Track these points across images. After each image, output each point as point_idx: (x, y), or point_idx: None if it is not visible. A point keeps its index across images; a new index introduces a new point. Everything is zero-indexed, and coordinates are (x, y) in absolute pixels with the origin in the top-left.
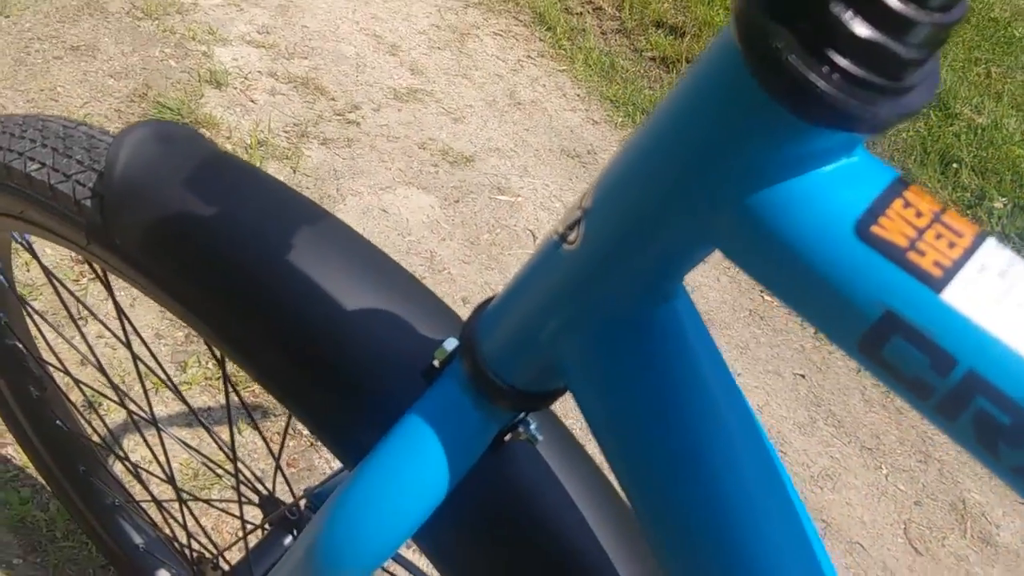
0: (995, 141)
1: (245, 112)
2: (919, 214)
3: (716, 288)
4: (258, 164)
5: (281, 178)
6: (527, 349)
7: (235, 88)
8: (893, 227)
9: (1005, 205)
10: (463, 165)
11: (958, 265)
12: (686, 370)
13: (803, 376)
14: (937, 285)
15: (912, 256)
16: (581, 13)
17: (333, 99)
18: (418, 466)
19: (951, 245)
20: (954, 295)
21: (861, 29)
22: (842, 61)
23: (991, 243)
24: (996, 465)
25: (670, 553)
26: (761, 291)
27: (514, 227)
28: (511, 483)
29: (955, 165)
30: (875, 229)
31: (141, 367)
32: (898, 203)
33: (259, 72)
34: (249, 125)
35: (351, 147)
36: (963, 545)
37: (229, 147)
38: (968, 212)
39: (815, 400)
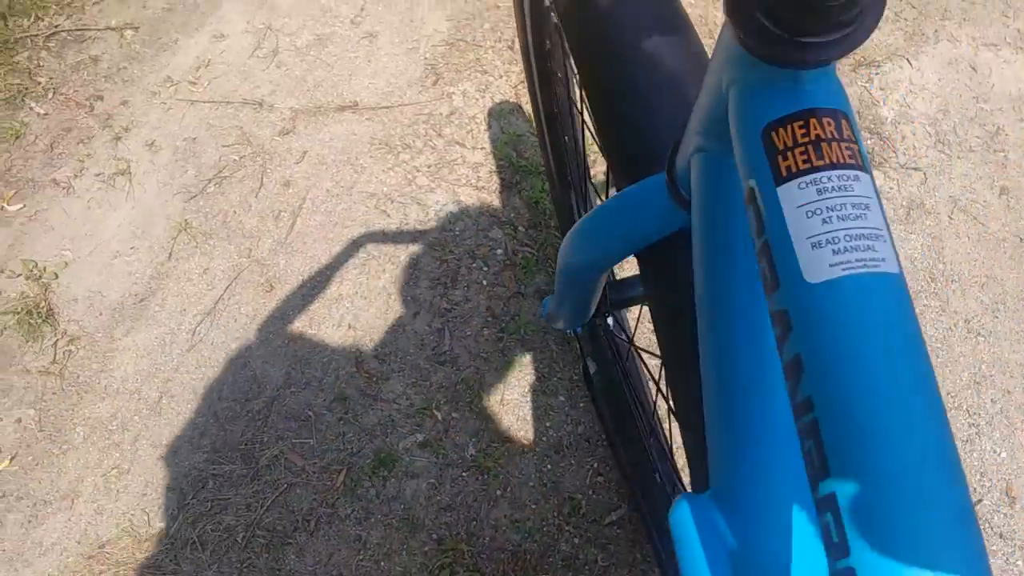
0: None
1: None
2: (805, 135)
3: None
4: None
5: None
6: (683, 168)
7: None
8: (783, 136)
9: None
10: None
11: (796, 175)
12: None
13: None
14: (778, 180)
15: (779, 158)
16: None
17: None
18: (628, 218)
19: (805, 162)
20: (783, 190)
21: None
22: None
23: (833, 173)
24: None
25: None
26: None
27: None
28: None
29: None
30: (772, 134)
31: None
32: (798, 123)
33: None
34: None
35: None
36: None
37: None
38: None
39: None
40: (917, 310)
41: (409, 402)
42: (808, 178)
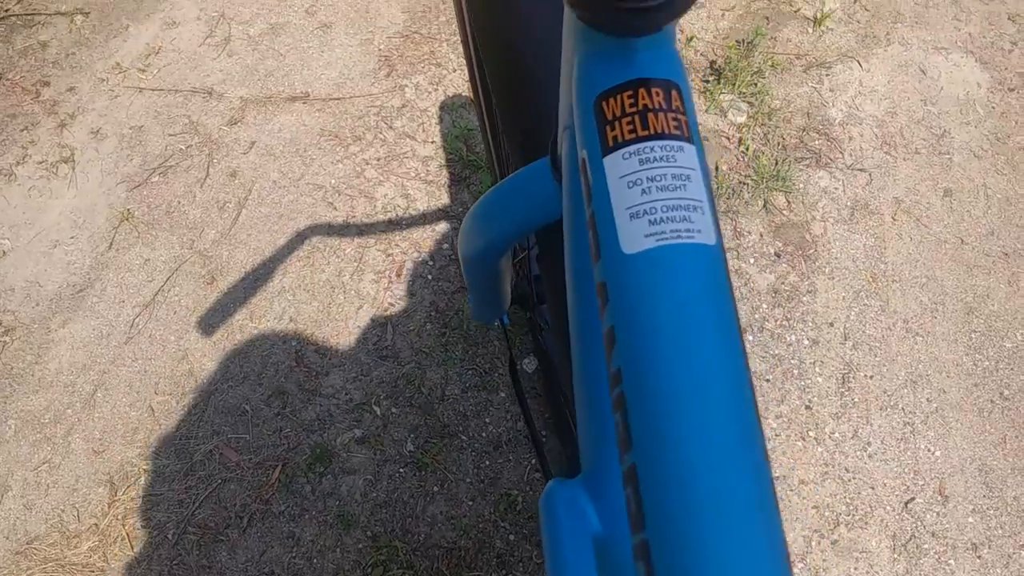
0: None
1: None
2: (633, 105)
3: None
4: None
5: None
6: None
7: None
8: (612, 106)
9: None
10: None
11: (621, 145)
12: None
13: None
14: (605, 151)
15: (607, 128)
16: None
17: None
18: (517, 202)
19: (631, 132)
20: (609, 160)
21: None
22: None
23: (657, 144)
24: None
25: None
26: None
27: None
28: None
29: None
30: (603, 103)
31: None
32: (627, 93)
33: None
34: None
35: None
36: None
37: None
38: None
39: None
40: (857, 310)
41: (348, 397)
42: (632, 148)
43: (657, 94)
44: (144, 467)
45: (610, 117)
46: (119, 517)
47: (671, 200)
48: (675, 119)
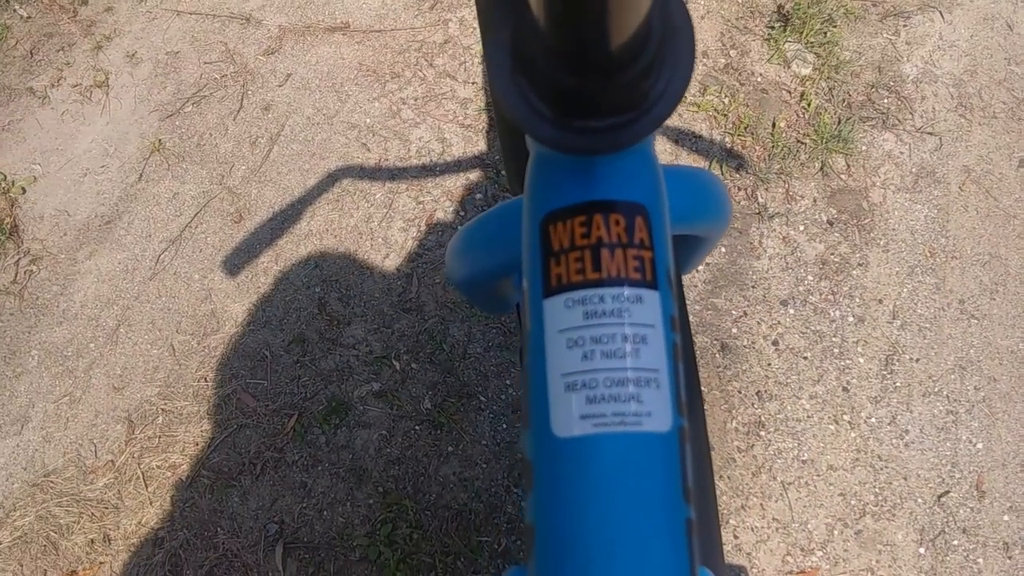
0: None
1: None
2: (585, 236)
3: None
4: None
5: None
6: None
7: None
8: (559, 233)
9: None
10: None
11: (565, 289)
12: None
13: None
14: (546, 291)
15: (551, 261)
16: None
17: None
18: (506, 234)
19: (578, 272)
20: (549, 305)
21: None
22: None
23: (608, 292)
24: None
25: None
26: None
27: None
28: None
29: None
30: (550, 228)
31: None
32: (579, 219)
33: None
34: None
35: None
36: None
37: None
38: None
39: None
40: (910, 287)
41: (369, 349)
42: (577, 295)
43: (617, 223)
44: (162, 407)
45: (556, 248)
46: (135, 455)
47: (617, 371)
48: (636, 257)
